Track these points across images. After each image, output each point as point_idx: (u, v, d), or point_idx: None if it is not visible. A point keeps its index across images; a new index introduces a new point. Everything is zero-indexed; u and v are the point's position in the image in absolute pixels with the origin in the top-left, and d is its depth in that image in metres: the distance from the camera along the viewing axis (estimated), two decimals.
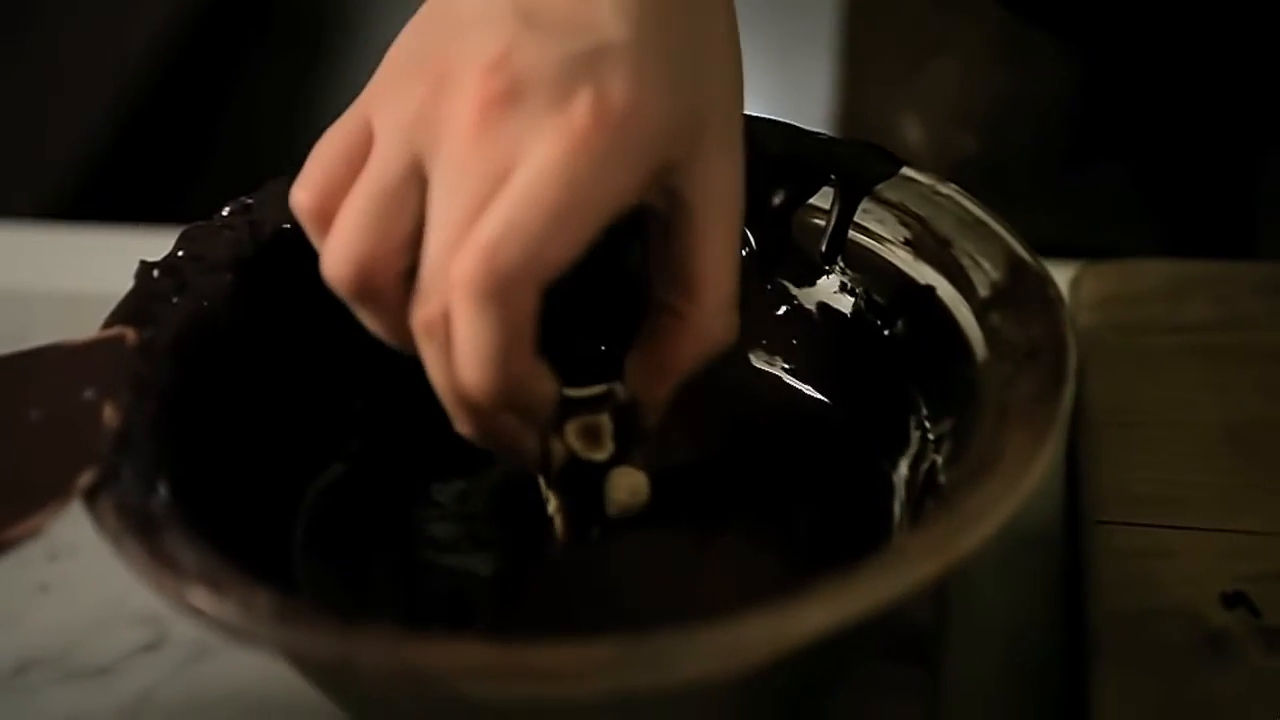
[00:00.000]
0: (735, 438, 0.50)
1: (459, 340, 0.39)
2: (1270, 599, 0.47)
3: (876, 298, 0.49)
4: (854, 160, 0.50)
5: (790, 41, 1.83)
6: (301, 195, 0.41)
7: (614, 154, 0.39)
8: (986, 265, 0.47)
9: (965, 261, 0.47)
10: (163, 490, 0.40)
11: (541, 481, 0.45)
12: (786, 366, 0.51)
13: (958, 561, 0.39)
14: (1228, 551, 0.48)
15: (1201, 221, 0.73)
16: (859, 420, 0.49)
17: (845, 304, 0.50)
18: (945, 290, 0.47)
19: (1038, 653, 0.51)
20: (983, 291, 0.46)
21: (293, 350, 0.48)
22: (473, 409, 0.41)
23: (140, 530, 0.39)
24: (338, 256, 0.40)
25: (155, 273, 0.46)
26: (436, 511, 0.49)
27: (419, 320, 0.40)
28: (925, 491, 0.46)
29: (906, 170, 0.49)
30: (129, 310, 0.45)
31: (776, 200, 0.51)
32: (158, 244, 0.47)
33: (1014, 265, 0.46)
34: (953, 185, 0.49)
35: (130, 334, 0.43)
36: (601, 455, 0.45)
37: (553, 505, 0.45)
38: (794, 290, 0.51)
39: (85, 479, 0.39)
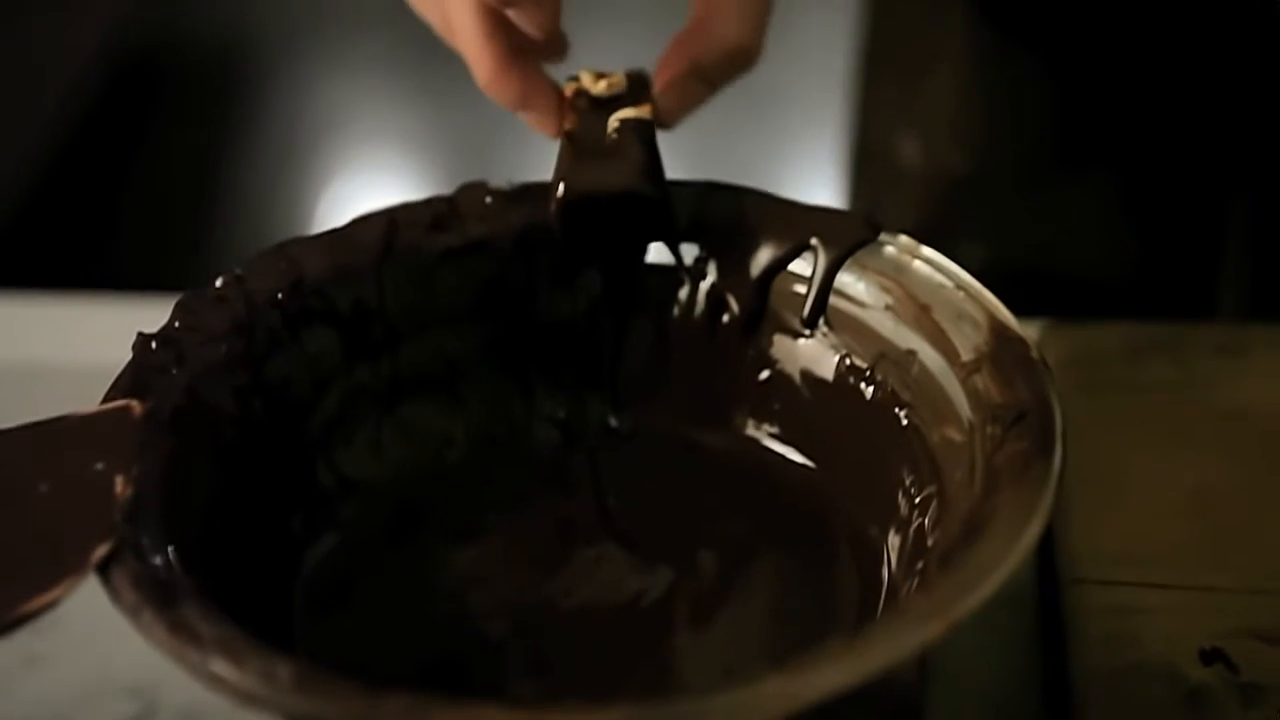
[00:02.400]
0: (723, 503, 0.51)
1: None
2: (1246, 655, 0.48)
3: (859, 362, 0.50)
4: (834, 227, 0.51)
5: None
6: None
7: None
8: (968, 329, 0.48)
9: (947, 325, 0.48)
10: (174, 560, 0.40)
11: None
12: (771, 431, 0.52)
13: (960, 622, 0.40)
14: (1203, 608, 0.50)
15: (1172, 249, 0.75)
16: (845, 484, 0.50)
17: (829, 368, 0.51)
18: (928, 354, 0.48)
19: (1018, 710, 0.52)
20: (966, 355, 0.47)
21: (287, 420, 0.48)
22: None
23: (157, 602, 0.39)
24: None
25: (153, 344, 0.46)
26: (435, 574, 0.49)
27: None
28: (915, 554, 0.47)
29: (885, 235, 0.50)
30: (130, 382, 0.45)
31: (758, 266, 0.52)
32: (131, 313, 0.48)
33: (996, 329, 0.47)
34: (931, 250, 0.50)
35: (136, 405, 0.43)
36: (609, 91, 0.53)
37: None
38: (777, 355, 0.52)
39: (99, 551, 0.39)
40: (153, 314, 0.48)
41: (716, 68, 0.53)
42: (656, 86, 0.53)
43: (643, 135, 0.52)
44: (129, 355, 0.46)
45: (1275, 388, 0.57)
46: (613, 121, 0.52)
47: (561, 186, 0.51)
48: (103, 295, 0.69)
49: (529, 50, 0.53)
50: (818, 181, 1.97)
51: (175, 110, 2.06)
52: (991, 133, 0.75)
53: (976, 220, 0.74)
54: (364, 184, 2.02)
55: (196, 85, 2.11)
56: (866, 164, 0.82)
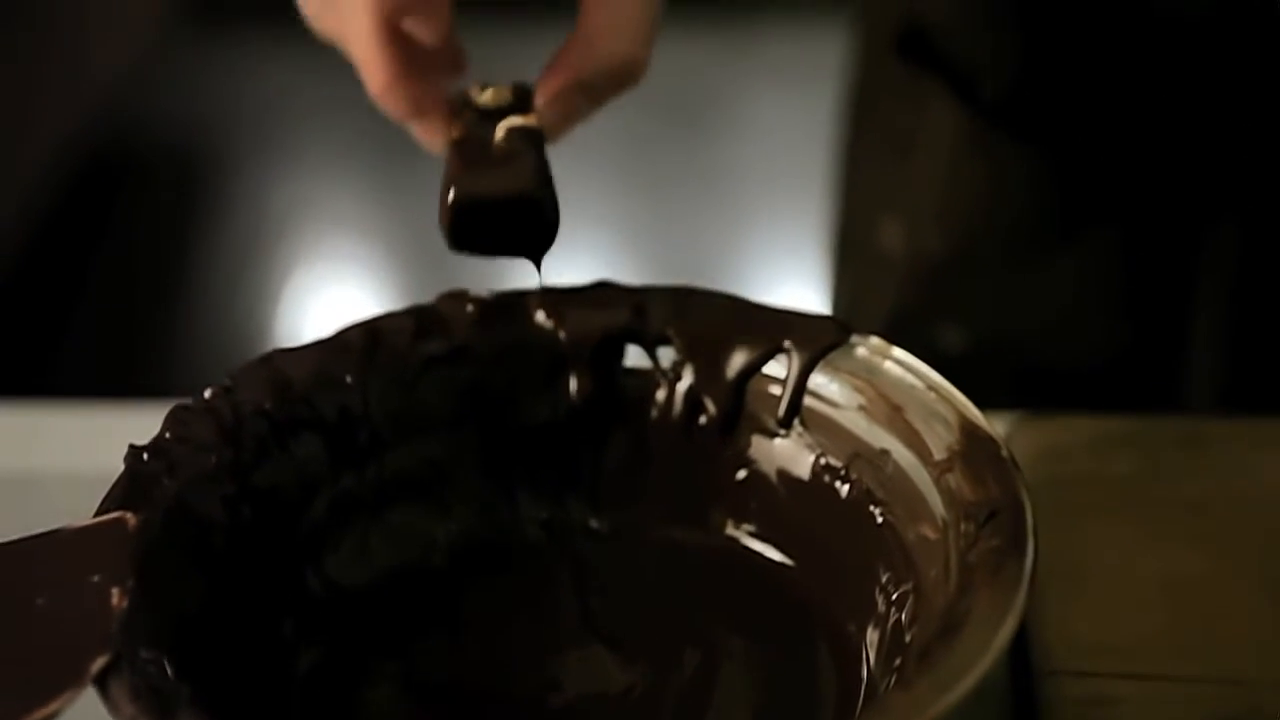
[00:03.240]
0: (704, 601, 0.52)
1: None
2: None
3: (834, 461, 0.51)
4: (806, 329, 0.52)
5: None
6: None
7: None
8: (940, 429, 0.49)
9: (919, 425, 0.50)
10: (169, 668, 0.41)
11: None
12: (749, 529, 0.53)
13: (941, 717, 0.41)
14: (1175, 699, 0.51)
15: (1140, 340, 0.77)
16: (824, 581, 0.51)
17: (805, 467, 0.52)
18: (901, 453, 0.50)
19: None
20: (938, 454, 0.49)
21: (276, 527, 0.49)
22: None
23: (155, 713, 0.39)
24: None
25: (145, 455, 0.47)
26: (425, 676, 0.50)
27: None
28: (893, 651, 0.48)
29: (857, 337, 0.52)
30: (123, 494, 0.46)
31: (733, 369, 0.53)
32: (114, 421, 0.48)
33: (966, 428, 0.49)
34: (902, 351, 0.51)
35: (130, 517, 0.44)
36: (495, 101, 0.54)
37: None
38: (754, 455, 0.53)
39: (97, 663, 0.40)
40: (122, 420, 0.49)
41: (601, 82, 0.54)
42: (540, 99, 0.54)
43: (531, 142, 0.53)
44: (111, 462, 0.47)
45: (1236, 481, 0.58)
46: (500, 130, 0.53)
47: (452, 191, 0.52)
48: (75, 402, 0.69)
49: (425, 64, 0.54)
50: (799, 267, 2.00)
51: (137, 206, 2.07)
52: (971, 219, 0.77)
53: (956, 306, 0.76)
54: (327, 275, 2.03)
55: (158, 180, 2.12)
56: (847, 250, 0.83)
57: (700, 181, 2.13)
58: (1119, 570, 0.56)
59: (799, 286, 1.98)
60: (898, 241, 0.78)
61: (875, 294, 0.79)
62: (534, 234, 0.53)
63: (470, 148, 0.53)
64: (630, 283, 0.54)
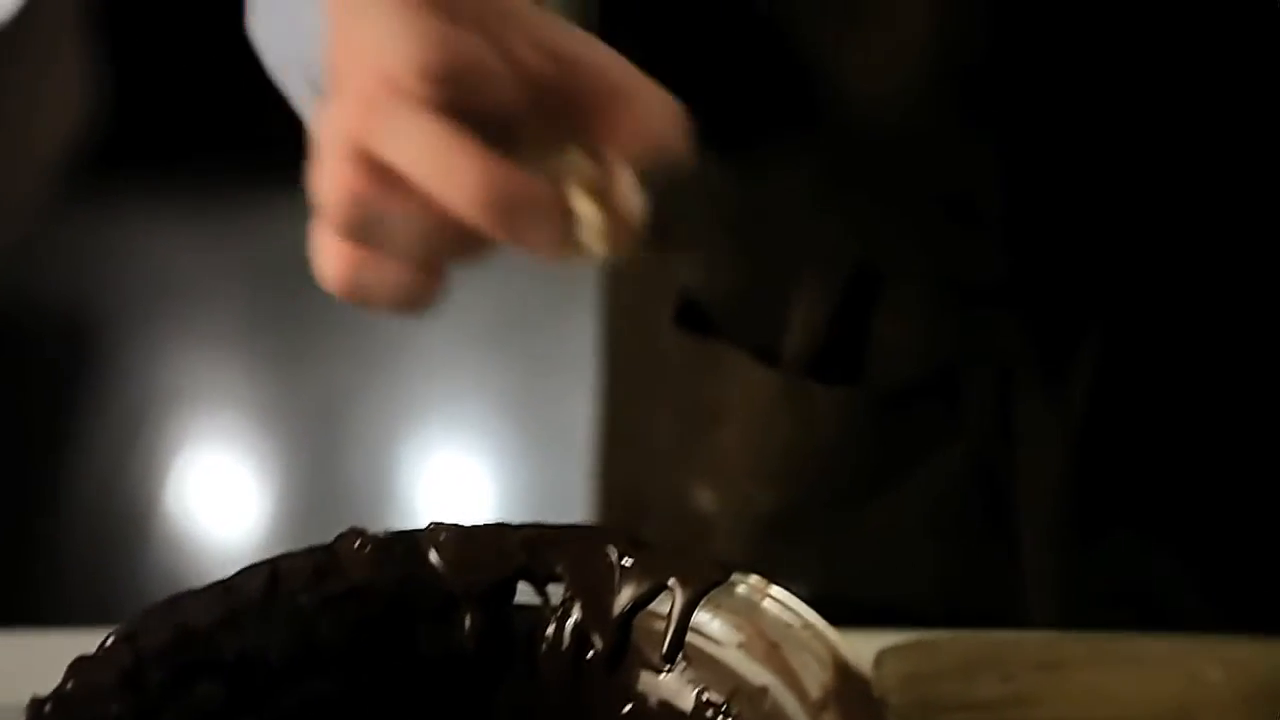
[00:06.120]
0: None
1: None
2: None
3: (715, 697, 0.54)
4: (689, 568, 0.55)
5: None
6: None
7: None
8: (815, 667, 0.52)
9: (795, 663, 0.52)
10: None
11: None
12: None
13: None
14: None
15: (977, 563, 0.79)
16: None
17: (687, 701, 0.55)
18: (779, 690, 0.52)
19: None
20: (814, 693, 0.51)
21: None
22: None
23: None
24: None
25: (46, 707, 0.48)
26: None
27: None
28: None
29: (738, 575, 0.55)
30: None
31: (619, 605, 0.55)
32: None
33: (839, 667, 0.52)
34: (780, 589, 0.54)
35: None
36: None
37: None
38: (640, 689, 0.55)
39: None
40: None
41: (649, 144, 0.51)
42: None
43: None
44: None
45: (1093, 702, 0.62)
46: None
47: None
48: None
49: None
50: None
51: (18, 384, 2.06)
52: (789, 474, 0.79)
53: (790, 559, 0.75)
54: (214, 453, 2.03)
55: (42, 356, 2.12)
56: (645, 510, 0.84)
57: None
58: None
59: None
60: (711, 505, 0.80)
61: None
62: None
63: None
64: (520, 521, 0.57)
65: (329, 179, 0.49)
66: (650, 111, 0.51)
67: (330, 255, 0.50)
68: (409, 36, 0.48)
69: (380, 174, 0.48)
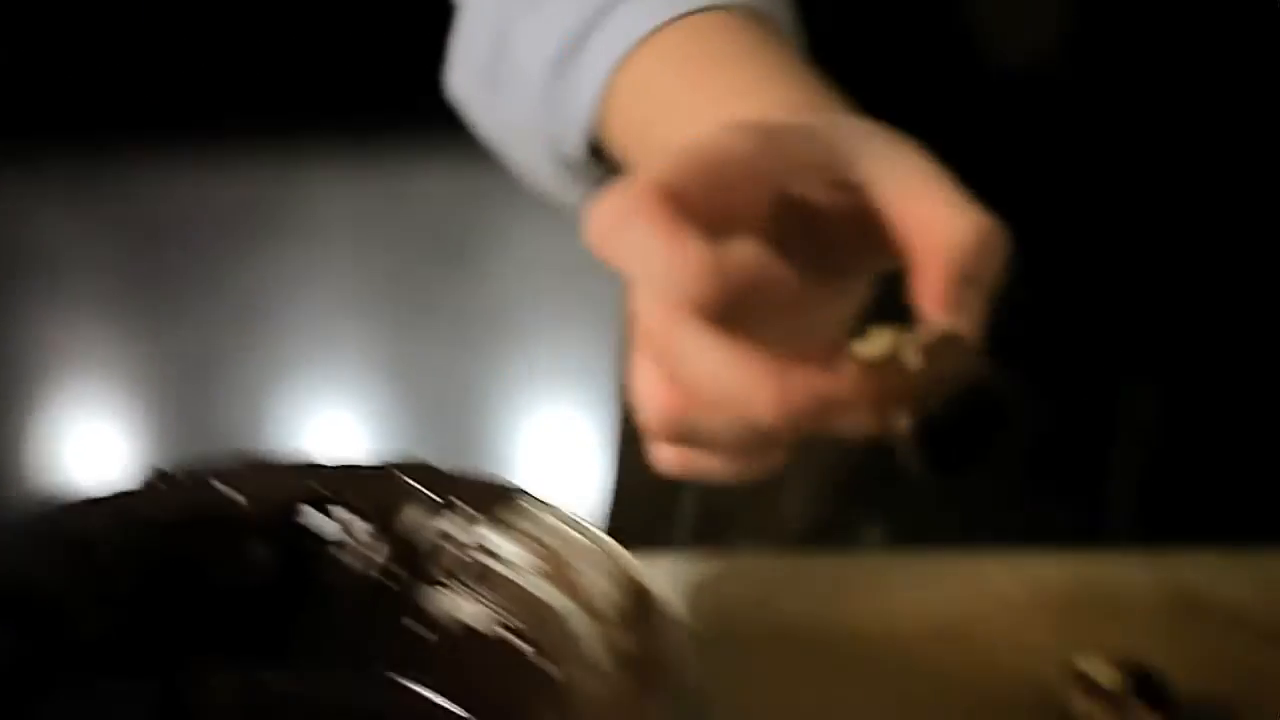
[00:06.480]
0: None
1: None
2: None
3: (508, 618, 0.55)
4: (477, 489, 0.56)
5: None
6: None
7: None
8: (604, 583, 0.53)
9: (585, 581, 0.53)
10: None
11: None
12: (430, 684, 0.56)
13: None
14: None
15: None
16: None
17: (481, 623, 0.55)
18: (569, 609, 0.53)
19: None
20: (605, 609, 0.52)
21: None
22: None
23: None
24: None
25: None
26: None
27: None
28: None
29: (522, 494, 0.55)
30: None
31: (406, 527, 0.56)
32: None
33: (631, 586, 0.52)
34: (562, 508, 0.55)
35: None
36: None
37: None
38: (434, 611, 0.56)
39: None
40: None
41: (978, 266, 0.49)
42: (936, 315, 0.50)
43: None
44: None
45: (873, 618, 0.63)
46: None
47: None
48: None
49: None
50: (570, 398, 2.01)
51: None
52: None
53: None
54: (82, 417, 2.01)
55: None
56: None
57: (466, 316, 2.16)
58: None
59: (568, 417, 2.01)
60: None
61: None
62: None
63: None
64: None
65: (644, 388, 0.52)
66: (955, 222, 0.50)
67: (663, 455, 0.54)
68: (671, 275, 0.48)
69: (690, 389, 0.50)
